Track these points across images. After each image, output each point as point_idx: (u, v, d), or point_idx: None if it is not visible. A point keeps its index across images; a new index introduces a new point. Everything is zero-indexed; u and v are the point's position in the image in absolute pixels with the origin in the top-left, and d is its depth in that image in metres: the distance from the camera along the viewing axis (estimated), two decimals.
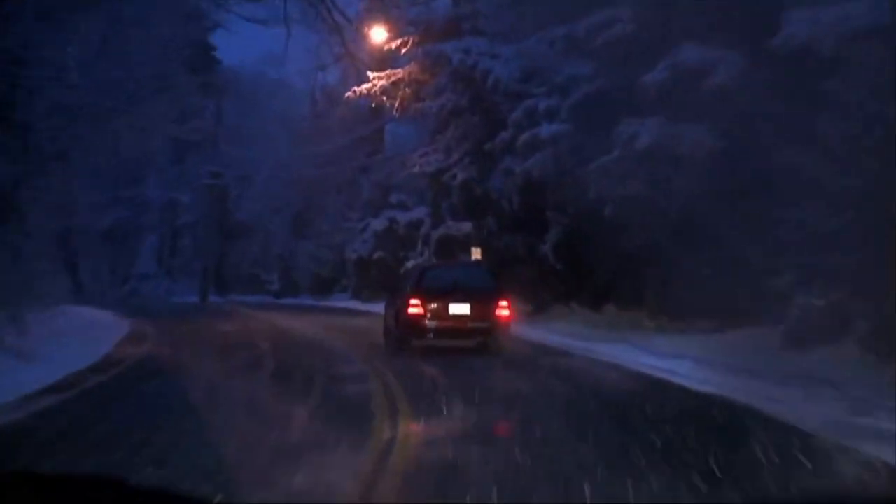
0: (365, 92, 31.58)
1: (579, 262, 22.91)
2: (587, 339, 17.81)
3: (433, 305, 15.81)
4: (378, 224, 40.00)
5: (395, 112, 32.94)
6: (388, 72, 31.16)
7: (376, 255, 39.34)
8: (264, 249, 49.45)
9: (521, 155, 24.31)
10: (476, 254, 29.14)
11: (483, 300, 15.85)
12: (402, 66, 31.34)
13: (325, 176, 44.70)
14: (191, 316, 29.15)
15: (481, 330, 15.90)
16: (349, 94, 32.22)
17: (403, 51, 30.45)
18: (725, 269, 15.86)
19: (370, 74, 31.28)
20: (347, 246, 42.23)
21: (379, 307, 20.54)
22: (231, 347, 16.66)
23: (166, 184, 50.09)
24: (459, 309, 15.86)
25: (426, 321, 15.76)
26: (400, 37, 30.40)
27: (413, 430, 7.99)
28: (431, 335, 15.90)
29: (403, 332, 16.09)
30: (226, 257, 51.09)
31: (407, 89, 31.27)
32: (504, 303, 16.05)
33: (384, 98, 31.79)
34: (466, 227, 31.28)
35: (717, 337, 15.79)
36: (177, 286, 49.97)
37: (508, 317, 16.13)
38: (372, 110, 38.88)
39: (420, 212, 38.11)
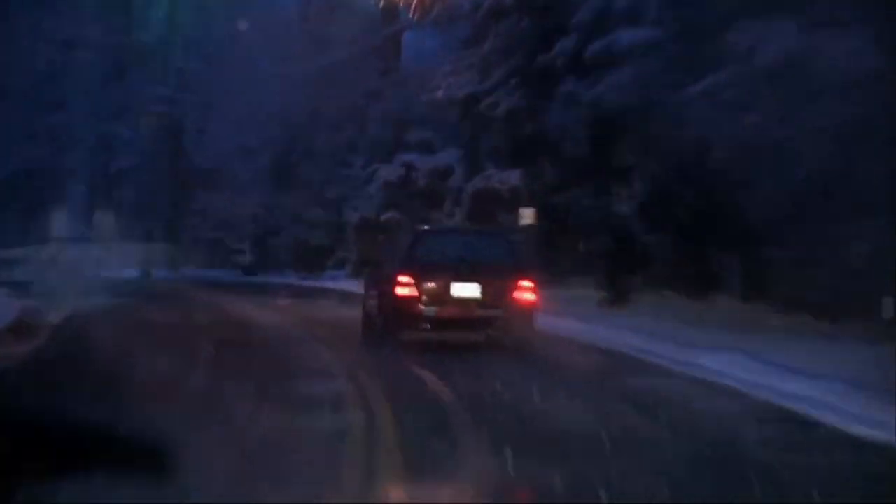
0: None
1: (676, 230, 22.98)
2: (685, 345, 16.89)
3: (430, 284, 16.17)
4: (390, 172, 39.50)
5: (412, 14, 33.23)
6: None
7: (386, 215, 38.93)
8: (233, 206, 48.82)
9: (590, 74, 24.32)
10: (527, 216, 29.04)
11: (498, 278, 16.25)
12: None
13: (319, 104, 44.11)
14: (119, 299, 28.64)
15: (494, 319, 16.24)
16: None
17: None
18: None
19: None
20: (346, 203, 42.05)
21: None
22: (157, 349, 15.90)
23: (97, 112, 49.43)
24: (466, 290, 16.20)
25: (420, 306, 16.10)
26: None
27: (397, 500, 7.41)
28: (427, 326, 16.30)
29: (389, 320, 16.46)
30: (180, 216, 50.56)
31: None
32: (526, 282, 16.37)
33: None
34: (513, 177, 31.11)
35: (886, 348, 14.51)
36: (111, 255, 49.42)
37: (532, 302, 16.44)
38: (383, 12, 38.88)
39: (449, 156, 37.72)
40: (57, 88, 47.51)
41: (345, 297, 30.56)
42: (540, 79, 27.56)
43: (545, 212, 28.26)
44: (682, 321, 20.12)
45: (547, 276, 27.31)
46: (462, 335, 16.66)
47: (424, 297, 16.05)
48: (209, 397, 11.78)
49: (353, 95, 43.06)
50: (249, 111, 47.06)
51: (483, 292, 16.10)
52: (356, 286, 33.84)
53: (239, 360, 15.34)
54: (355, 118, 44.12)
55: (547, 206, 28.32)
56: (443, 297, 16.10)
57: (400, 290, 16.02)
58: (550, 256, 28.15)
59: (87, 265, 46.66)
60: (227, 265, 48.49)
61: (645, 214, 23.98)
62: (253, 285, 38.86)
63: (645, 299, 23.51)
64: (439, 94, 32.09)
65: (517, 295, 16.17)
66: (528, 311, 16.33)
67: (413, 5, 31.70)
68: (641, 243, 24.19)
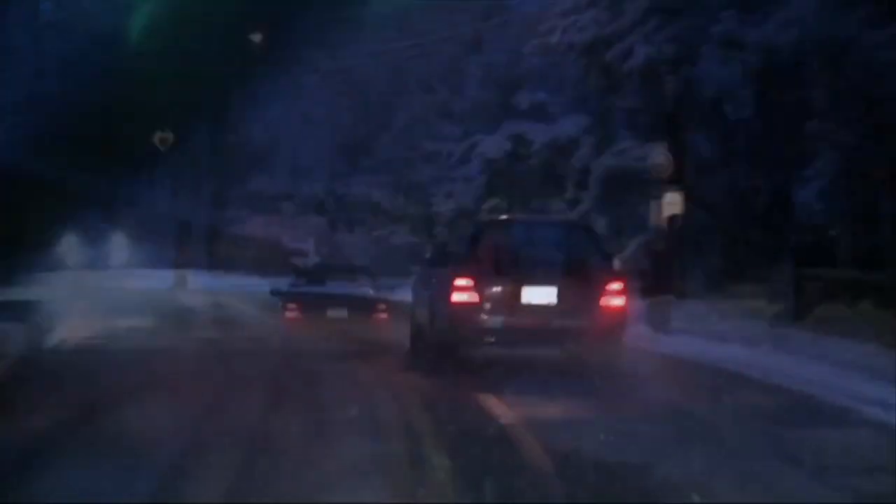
0: None
1: (874, 222, 22.76)
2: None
3: (496, 289, 16.57)
4: (493, 146, 39.03)
5: None
6: None
7: (488, 203, 38.60)
8: (291, 193, 48.92)
9: (757, 8, 24.63)
10: (671, 204, 28.03)
11: (579, 281, 16.61)
12: None
13: (401, 60, 43.97)
14: (131, 319, 27.87)
15: (574, 331, 16.54)
16: None
17: None
18: None
19: None
20: (438, 188, 41.97)
21: None
22: (155, 389, 15.05)
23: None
24: (539, 295, 16.60)
25: (483, 316, 16.51)
26: None
27: None
28: (492, 339, 16.75)
29: (446, 333, 16.99)
30: (223, 207, 50.32)
31: None
32: (616, 285, 16.79)
33: None
34: (657, 153, 29.88)
35: None
36: (140, 260, 49.40)
37: (622, 309, 16.89)
38: None
39: (572, 124, 37.05)
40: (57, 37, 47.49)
41: None
42: (688, 16, 27.31)
43: (698, 198, 27.67)
44: (884, 344, 19.43)
45: (698, 284, 26.68)
46: (535, 349, 17.17)
47: (489, 304, 16.47)
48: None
49: (447, 46, 42.67)
50: (312, 69, 46.50)
51: (562, 298, 16.51)
52: None
53: (251, 412, 13.99)
54: (449, 77, 43.81)
55: (699, 191, 27.77)
56: (512, 303, 16.50)
57: (458, 296, 16.47)
58: (704, 257, 27.95)
59: (111, 271, 46.58)
60: (284, 270, 48.29)
61: (833, 200, 23.76)
62: (323, 298, 38.36)
63: (832, 314, 22.93)
64: (554, 39, 31.60)
65: (604, 301, 16.58)
66: (616, 319, 16.77)
67: None
68: (826, 239, 24.12)
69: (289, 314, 27.20)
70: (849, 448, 12.44)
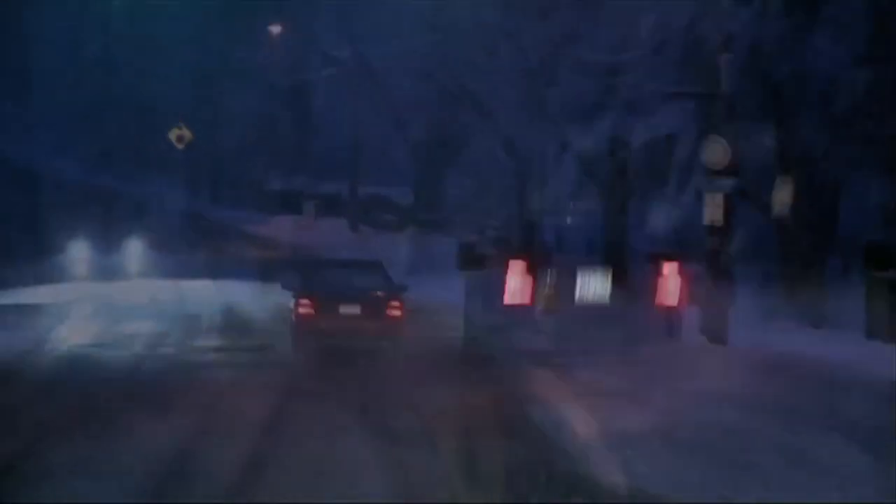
0: None
1: None
2: None
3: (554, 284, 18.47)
4: (584, 142, 38.58)
5: None
6: None
7: (580, 203, 39.59)
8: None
9: None
10: (780, 197, 27.83)
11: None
12: None
13: (488, 54, 43.53)
14: None
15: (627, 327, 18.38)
16: None
17: None
18: None
19: None
20: (532, 187, 41.36)
21: None
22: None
23: (184, 75, 49.91)
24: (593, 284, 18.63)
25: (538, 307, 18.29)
26: None
27: None
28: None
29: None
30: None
31: None
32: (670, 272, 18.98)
33: None
34: (765, 140, 30.18)
35: None
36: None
37: (679, 303, 19.03)
38: None
39: (670, 119, 36.53)
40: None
41: None
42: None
43: (807, 190, 27.42)
44: None
45: (804, 286, 26.62)
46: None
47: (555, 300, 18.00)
48: None
49: (542, 41, 41.35)
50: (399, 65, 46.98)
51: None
52: None
53: None
54: (541, 72, 42.21)
55: (811, 182, 27.50)
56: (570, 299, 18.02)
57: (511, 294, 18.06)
58: (811, 258, 27.69)
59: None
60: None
61: None
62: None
63: None
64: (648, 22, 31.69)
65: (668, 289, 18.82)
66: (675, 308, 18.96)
67: None
68: None
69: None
70: None
